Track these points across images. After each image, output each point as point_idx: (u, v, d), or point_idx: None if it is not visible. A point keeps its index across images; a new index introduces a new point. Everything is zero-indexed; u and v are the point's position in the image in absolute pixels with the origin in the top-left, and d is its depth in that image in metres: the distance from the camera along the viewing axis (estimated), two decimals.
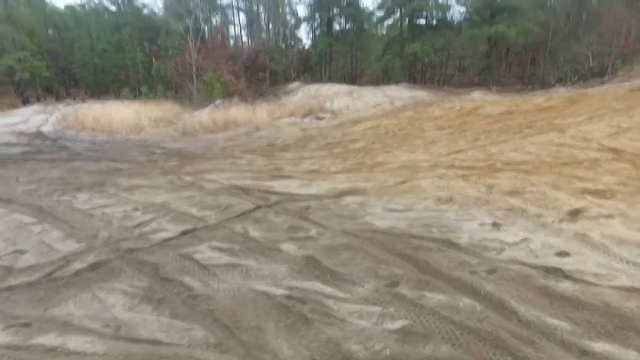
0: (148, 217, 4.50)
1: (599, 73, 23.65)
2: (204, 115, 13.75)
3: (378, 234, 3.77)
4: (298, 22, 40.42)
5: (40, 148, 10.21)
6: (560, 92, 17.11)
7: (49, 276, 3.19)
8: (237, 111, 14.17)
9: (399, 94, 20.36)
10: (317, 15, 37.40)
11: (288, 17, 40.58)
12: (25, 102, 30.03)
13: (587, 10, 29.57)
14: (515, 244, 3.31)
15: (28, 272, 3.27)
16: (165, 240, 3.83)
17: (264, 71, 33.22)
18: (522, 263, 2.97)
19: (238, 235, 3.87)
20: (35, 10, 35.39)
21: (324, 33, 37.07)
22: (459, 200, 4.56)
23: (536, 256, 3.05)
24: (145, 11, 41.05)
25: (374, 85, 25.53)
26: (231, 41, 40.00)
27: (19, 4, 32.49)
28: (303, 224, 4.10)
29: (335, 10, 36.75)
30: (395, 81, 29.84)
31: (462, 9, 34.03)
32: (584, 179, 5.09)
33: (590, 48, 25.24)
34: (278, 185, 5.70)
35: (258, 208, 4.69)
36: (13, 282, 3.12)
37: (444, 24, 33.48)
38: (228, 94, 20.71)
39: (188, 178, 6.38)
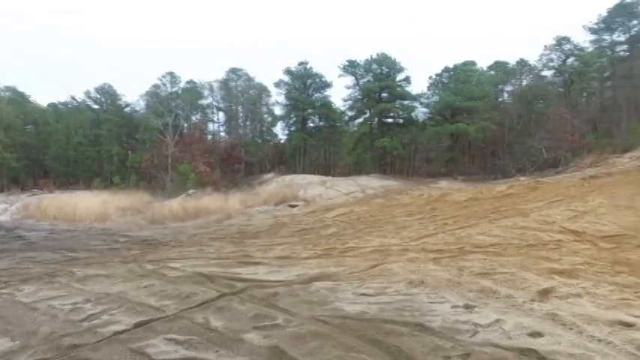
0: (99, 308, 4.12)
1: (553, 165, 25.66)
2: (175, 204, 13.63)
3: (349, 320, 3.57)
4: (275, 120, 42.95)
5: None
6: (521, 181, 18.21)
7: None
8: (210, 200, 14.16)
9: (371, 183, 21.12)
10: (292, 114, 40.02)
11: (265, 116, 43.20)
12: None
13: (534, 111, 33.25)
14: (489, 325, 3.19)
15: None
16: (116, 333, 3.46)
17: (239, 163, 34.20)
18: (496, 345, 2.82)
19: (198, 326, 3.56)
20: (16, 107, 36.38)
21: (299, 129, 39.37)
22: (430, 283, 4.47)
23: (510, 338, 2.92)
24: (127, 109, 42.86)
25: (346, 176, 26.50)
26: (210, 136, 41.68)
27: (1, 101, 33.48)
28: (269, 312, 3.85)
29: (309, 110, 39.57)
30: (366, 172, 31.19)
31: (426, 109, 37.53)
32: (550, 260, 5.16)
33: (542, 143, 27.88)
34: (246, 272, 5.46)
35: (222, 296, 4.41)
36: None
37: (410, 122, 36.49)
38: (202, 184, 20.90)
39: (150, 267, 6.05)
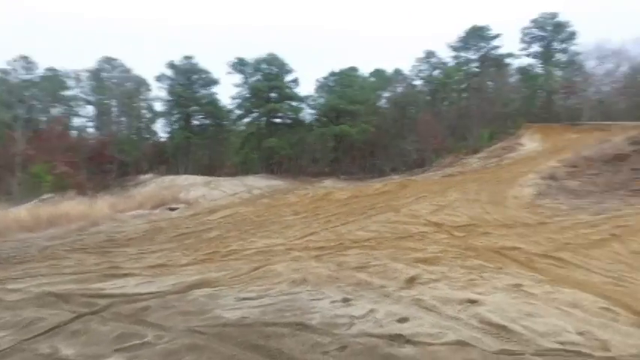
0: None
1: (420, 164, 29.01)
2: (24, 211, 11.39)
3: (228, 327, 3.40)
4: (155, 116, 39.73)
5: None
6: (394, 179, 20.09)
7: None
8: (71, 205, 12.22)
9: (258, 183, 20.99)
10: (175, 111, 37.60)
11: (144, 111, 39.68)
12: None
13: (407, 116, 37.24)
14: (363, 316, 3.35)
15: None
16: None
17: (111, 163, 30.70)
18: (370, 335, 2.98)
19: (42, 358, 2.98)
20: None
21: (183, 127, 37.18)
22: (312, 280, 4.55)
23: (382, 326, 3.11)
24: None
25: (233, 176, 25.85)
26: (74, 132, 36.45)
27: None
28: (137, 329, 3.44)
29: (194, 107, 37.63)
30: (254, 172, 30.95)
31: (313, 111, 38.93)
32: (416, 250, 5.73)
33: (412, 145, 31.42)
34: (111, 286, 4.82)
35: (78, 317, 3.79)
36: None
37: (298, 123, 37.45)
38: (61, 188, 18.03)
39: None
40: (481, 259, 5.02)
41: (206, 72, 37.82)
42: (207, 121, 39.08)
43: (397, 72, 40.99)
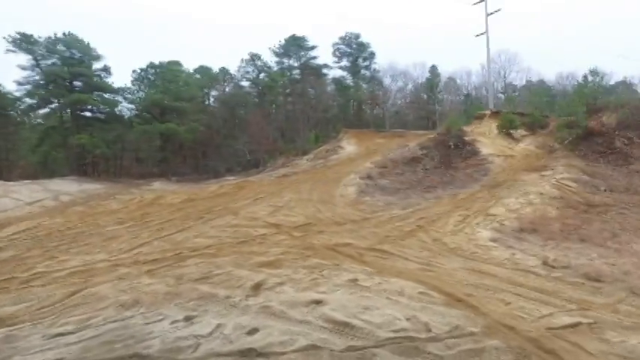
0: None
1: (255, 165, 29.46)
2: None
3: None
4: None
5: None
6: (230, 181, 19.80)
7: None
8: None
9: (67, 188, 17.54)
10: None
11: None
12: None
13: (237, 117, 37.24)
14: (210, 334, 3.16)
15: None
16: None
17: None
18: (219, 354, 2.82)
19: None
20: None
21: None
22: (146, 300, 4.04)
23: (231, 342, 2.99)
24: None
25: (32, 180, 20.85)
26: None
27: None
28: None
29: None
30: (61, 174, 25.72)
31: (131, 106, 34.70)
32: (258, 254, 5.74)
33: (245, 145, 31.59)
34: None
35: None
36: None
37: (114, 118, 32.84)
38: None
39: None
40: (319, 258, 5.39)
41: None
42: None
43: (224, 71, 40.53)
